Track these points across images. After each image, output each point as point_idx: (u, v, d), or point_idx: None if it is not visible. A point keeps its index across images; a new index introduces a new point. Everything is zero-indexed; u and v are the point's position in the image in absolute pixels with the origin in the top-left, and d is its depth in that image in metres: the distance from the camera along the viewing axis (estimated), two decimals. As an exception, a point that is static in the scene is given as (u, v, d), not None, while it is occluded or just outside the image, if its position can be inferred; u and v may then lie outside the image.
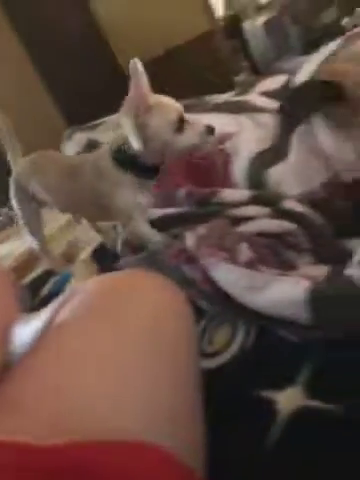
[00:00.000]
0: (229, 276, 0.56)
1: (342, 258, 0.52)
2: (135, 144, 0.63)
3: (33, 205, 0.86)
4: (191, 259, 0.65)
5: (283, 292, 0.50)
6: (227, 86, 2.53)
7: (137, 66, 0.62)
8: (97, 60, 3.24)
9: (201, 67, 2.63)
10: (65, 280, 0.87)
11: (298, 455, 0.41)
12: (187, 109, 1.13)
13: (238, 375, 0.51)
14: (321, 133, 0.66)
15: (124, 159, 0.67)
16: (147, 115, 0.63)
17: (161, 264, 0.70)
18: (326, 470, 0.39)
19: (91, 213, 0.82)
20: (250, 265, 0.56)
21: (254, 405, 0.46)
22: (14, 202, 0.87)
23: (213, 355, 0.55)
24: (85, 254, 0.91)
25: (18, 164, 0.86)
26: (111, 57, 3.21)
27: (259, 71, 2.09)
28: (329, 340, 0.48)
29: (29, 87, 3.29)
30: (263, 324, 0.54)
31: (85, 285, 0.46)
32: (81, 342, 0.38)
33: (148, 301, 0.42)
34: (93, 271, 0.87)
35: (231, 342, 0.55)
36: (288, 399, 0.44)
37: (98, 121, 1.47)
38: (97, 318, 0.40)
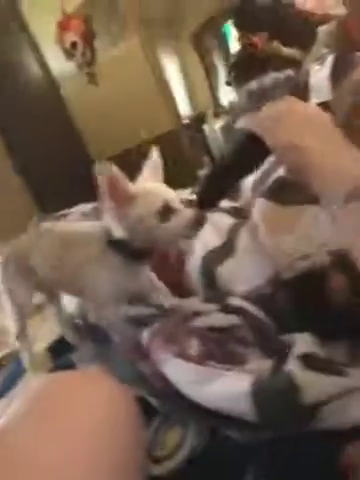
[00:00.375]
0: (178, 370, 0.58)
1: (284, 352, 0.55)
2: (116, 232, 0.65)
3: (29, 284, 0.82)
4: (145, 355, 0.66)
5: (228, 386, 0.52)
6: (192, 179, 2.74)
7: (105, 168, 0.60)
8: (71, 151, 3.43)
9: (168, 161, 2.84)
10: (15, 376, 0.84)
11: None
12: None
13: None
14: (261, 232, 0.72)
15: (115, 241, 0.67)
16: (130, 206, 0.62)
17: (115, 358, 0.70)
18: None
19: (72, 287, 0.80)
20: (199, 360, 0.58)
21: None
22: (4, 282, 0.83)
23: (162, 460, 0.54)
24: (40, 346, 0.89)
25: (13, 242, 0.84)
26: (84, 150, 3.42)
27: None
28: (274, 441, 0.48)
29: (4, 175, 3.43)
30: (212, 424, 0.54)
31: (30, 385, 0.47)
32: (20, 449, 0.37)
33: (90, 407, 0.43)
34: (47, 365, 0.85)
35: (181, 445, 0.55)
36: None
37: (65, 211, 1.53)
38: (37, 423, 0.40)
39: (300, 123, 0.48)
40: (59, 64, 3.21)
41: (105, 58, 3.01)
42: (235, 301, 0.66)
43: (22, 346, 0.85)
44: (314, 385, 0.48)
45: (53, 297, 0.93)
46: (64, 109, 3.34)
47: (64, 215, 1.44)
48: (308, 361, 0.51)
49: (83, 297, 0.85)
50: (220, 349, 0.60)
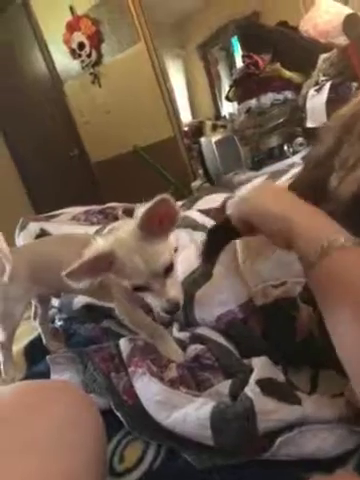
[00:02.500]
0: (149, 389, 0.60)
1: (245, 375, 0.57)
2: None
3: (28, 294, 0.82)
4: (119, 367, 0.68)
5: (192, 411, 0.54)
6: (185, 188, 2.78)
7: None
8: (68, 150, 3.44)
9: (163, 168, 2.88)
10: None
11: None
12: (132, 214, 1.22)
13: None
14: (239, 256, 0.74)
15: None
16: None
17: (89, 366, 0.72)
18: None
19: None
20: (173, 384, 0.60)
21: None
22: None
23: (123, 474, 0.55)
24: (15, 349, 0.90)
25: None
26: (82, 149, 3.43)
27: (212, 180, 2.32)
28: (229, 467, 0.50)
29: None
30: (173, 446, 0.56)
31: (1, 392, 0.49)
32: None
33: (54, 417, 0.45)
34: (21, 370, 0.86)
35: (142, 459, 0.56)
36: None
37: (56, 212, 1.53)
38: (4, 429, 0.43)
39: (280, 197, 0.55)
40: (64, 63, 3.22)
41: (111, 61, 3.04)
42: (202, 330, 0.68)
43: (5, 355, 0.83)
44: (270, 413, 0.50)
45: (45, 300, 0.93)
46: (65, 107, 3.35)
47: (53, 216, 1.44)
48: (266, 386, 0.53)
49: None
50: (192, 376, 0.63)
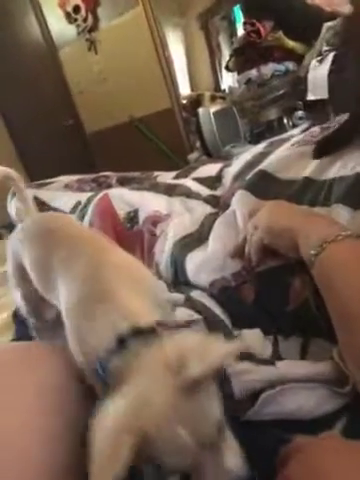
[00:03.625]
0: None
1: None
2: None
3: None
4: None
5: None
6: (182, 160, 2.73)
7: None
8: (62, 118, 3.36)
9: (159, 138, 2.82)
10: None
11: None
12: (127, 183, 1.20)
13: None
14: (238, 222, 0.72)
15: None
16: None
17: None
18: None
19: None
20: None
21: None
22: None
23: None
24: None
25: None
26: (76, 118, 3.35)
27: (210, 152, 2.27)
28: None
29: None
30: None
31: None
32: None
33: (38, 380, 0.45)
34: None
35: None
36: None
37: (48, 180, 1.50)
38: None
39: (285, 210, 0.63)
40: (59, 28, 3.10)
41: (107, 27, 2.93)
42: (196, 295, 0.67)
43: None
44: (243, 373, 0.51)
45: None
46: (60, 75, 3.26)
47: (45, 184, 1.42)
48: (244, 356, 0.53)
49: None
50: None
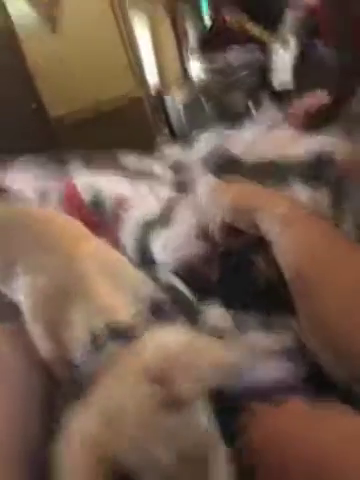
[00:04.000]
0: None
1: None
2: None
3: None
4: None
5: None
6: (150, 147, 2.70)
7: None
8: (25, 102, 3.24)
9: (127, 127, 2.78)
10: None
11: None
12: (91, 166, 1.18)
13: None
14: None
15: None
16: None
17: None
18: None
19: None
20: None
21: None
22: None
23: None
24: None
25: None
26: (39, 101, 3.23)
27: (177, 138, 2.27)
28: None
29: None
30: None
31: None
32: None
33: None
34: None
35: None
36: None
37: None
38: None
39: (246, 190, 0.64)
40: (17, 5, 2.97)
41: (70, 8, 2.83)
42: (163, 275, 0.68)
43: None
44: None
45: None
46: (21, 58, 3.13)
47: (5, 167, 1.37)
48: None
49: None
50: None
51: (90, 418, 0.33)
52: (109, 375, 0.37)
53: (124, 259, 0.58)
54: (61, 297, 0.45)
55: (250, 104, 2.12)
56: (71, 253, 0.50)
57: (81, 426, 0.33)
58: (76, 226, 0.61)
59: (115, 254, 0.57)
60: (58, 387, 0.49)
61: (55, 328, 0.44)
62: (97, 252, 0.55)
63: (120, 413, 0.32)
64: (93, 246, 0.56)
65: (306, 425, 0.37)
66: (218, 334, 0.57)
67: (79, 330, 0.42)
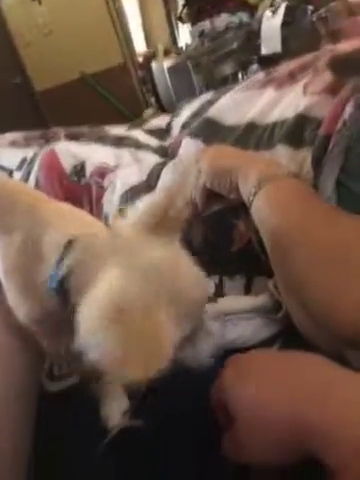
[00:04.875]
0: None
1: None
2: None
3: None
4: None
5: None
6: (137, 117, 2.65)
7: None
8: (8, 76, 3.15)
9: (112, 95, 2.71)
10: None
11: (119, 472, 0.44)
12: (76, 138, 1.15)
13: (80, 398, 0.52)
14: None
15: None
16: None
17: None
18: None
19: None
20: None
21: (85, 427, 0.48)
22: None
23: (59, 378, 0.56)
24: None
25: None
26: (23, 75, 3.14)
27: (164, 109, 2.22)
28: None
29: None
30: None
31: None
32: None
33: None
34: None
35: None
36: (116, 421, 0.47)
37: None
38: None
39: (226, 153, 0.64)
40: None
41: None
42: None
43: None
44: None
45: None
46: (5, 30, 3.01)
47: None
48: None
49: None
50: None
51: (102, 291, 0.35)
52: (96, 257, 0.39)
53: (87, 215, 0.57)
54: (31, 247, 0.45)
55: (239, 73, 2.08)
56: (36, 210, 0.49)
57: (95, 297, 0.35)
58: (42, 194, 0.61)
59: (80, 211, 0.56)
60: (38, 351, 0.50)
61: (30, 285, 0.45)
62: (61, 206, 0.54)
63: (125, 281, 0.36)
64: (57, 204, 0.55)
65: (272, 364, 0.38)
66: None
67: (52, 256, 0.43)
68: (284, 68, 0.78)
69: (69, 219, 0.49)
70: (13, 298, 0.47)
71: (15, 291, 0.47)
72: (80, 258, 0.41)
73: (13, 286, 0.47)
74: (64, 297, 0.41)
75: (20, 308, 0.47)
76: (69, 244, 0.42)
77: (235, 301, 0.56)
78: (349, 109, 0.56)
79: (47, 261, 0.43)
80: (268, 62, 1.93)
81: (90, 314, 0.33)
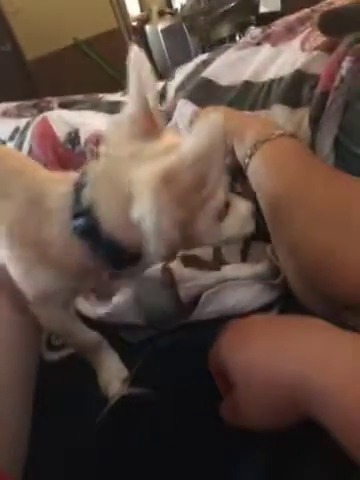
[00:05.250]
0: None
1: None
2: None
3: None
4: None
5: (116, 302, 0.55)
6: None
7: None
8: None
9: (107, 62, 2.63)
10: None
11: (117, 438, 0.45)
12: (70, 106, 1.12)
13: (76, 369, 0.52)
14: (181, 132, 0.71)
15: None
16: None
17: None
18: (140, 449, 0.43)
19: None
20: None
21: (85, 397, 0.48)
22: None
23: (58, 348, 0.56)
24: None
25: None
26: (14, 44, 3.03)
27: (160, 74, 2.15)
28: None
29: None
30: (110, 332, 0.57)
31: None
32: None
33: None
34: None
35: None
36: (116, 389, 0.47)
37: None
38: None
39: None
40: None
41: None
42: None
43: None
44: (188, 280, 0.53)
45: None
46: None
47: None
48: (189, 260, 0.56)
49: None
50: None
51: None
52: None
53: None
54: (36, 212, 0.41)
55: (237, 35, 2.00)
56: (23, 173, 0.46)
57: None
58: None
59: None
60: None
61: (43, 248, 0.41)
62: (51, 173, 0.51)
63: None
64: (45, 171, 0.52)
65: (267, 327, 0.38)
66: (200, 266, 0.57)
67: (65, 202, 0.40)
68: (281, 23, 0.75)
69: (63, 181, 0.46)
70: (23, 271, 0.43)
71: (26, 263, 0.42)
72: (99, 181, 0.38)
73: (24, 257, 0.42)
74: (93, 235, 0.38)
75: (31, 281, 0.43)
76: (77, 185, 0.39)
77: (237, 269, 0.55)
78: (346, 64, 0.53)
79: (58, 210, 0.40)
80: (267, 23, 1.85)
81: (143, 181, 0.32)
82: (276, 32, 0.71)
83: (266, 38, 0.72)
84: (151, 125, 0.39)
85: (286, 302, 0.53)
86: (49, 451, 0.46)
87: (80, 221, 0.38)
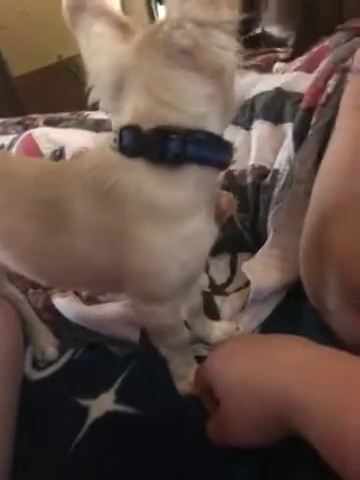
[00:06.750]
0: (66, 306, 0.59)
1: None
2: None
3: None
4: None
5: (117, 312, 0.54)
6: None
7: None
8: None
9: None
10: None
11: (98, 454, 0.44)
12: (55, 124, 1.12)
13: (62, 384, 0.52)
14: None
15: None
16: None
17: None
18: (122, 465, 0.43)
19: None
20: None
21: (69, 412, 0.48)
22: None
23: (44, 367, 0.56)
24: None
25: None
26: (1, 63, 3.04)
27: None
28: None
29: None
30: (95, 341, 0.56)
31: None
32: None
33: None
34: None
35: (63, 353, 0.57)
36: (99, 405, 0.47)
37: None
38: None
39: None
40: None
41: None
42: None
43: None
44: None
45: None
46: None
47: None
48: None
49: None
50: None
51: None
52: None
53: None
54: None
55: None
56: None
57: None
58: None
59: None
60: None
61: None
62: None
63: None
64: None
65: (248, 345, 0.40)
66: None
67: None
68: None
69: None
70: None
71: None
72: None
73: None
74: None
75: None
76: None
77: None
78: (332, 83, 0.56)
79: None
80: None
81: None
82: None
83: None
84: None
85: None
86: (33, 466, 0.45)
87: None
